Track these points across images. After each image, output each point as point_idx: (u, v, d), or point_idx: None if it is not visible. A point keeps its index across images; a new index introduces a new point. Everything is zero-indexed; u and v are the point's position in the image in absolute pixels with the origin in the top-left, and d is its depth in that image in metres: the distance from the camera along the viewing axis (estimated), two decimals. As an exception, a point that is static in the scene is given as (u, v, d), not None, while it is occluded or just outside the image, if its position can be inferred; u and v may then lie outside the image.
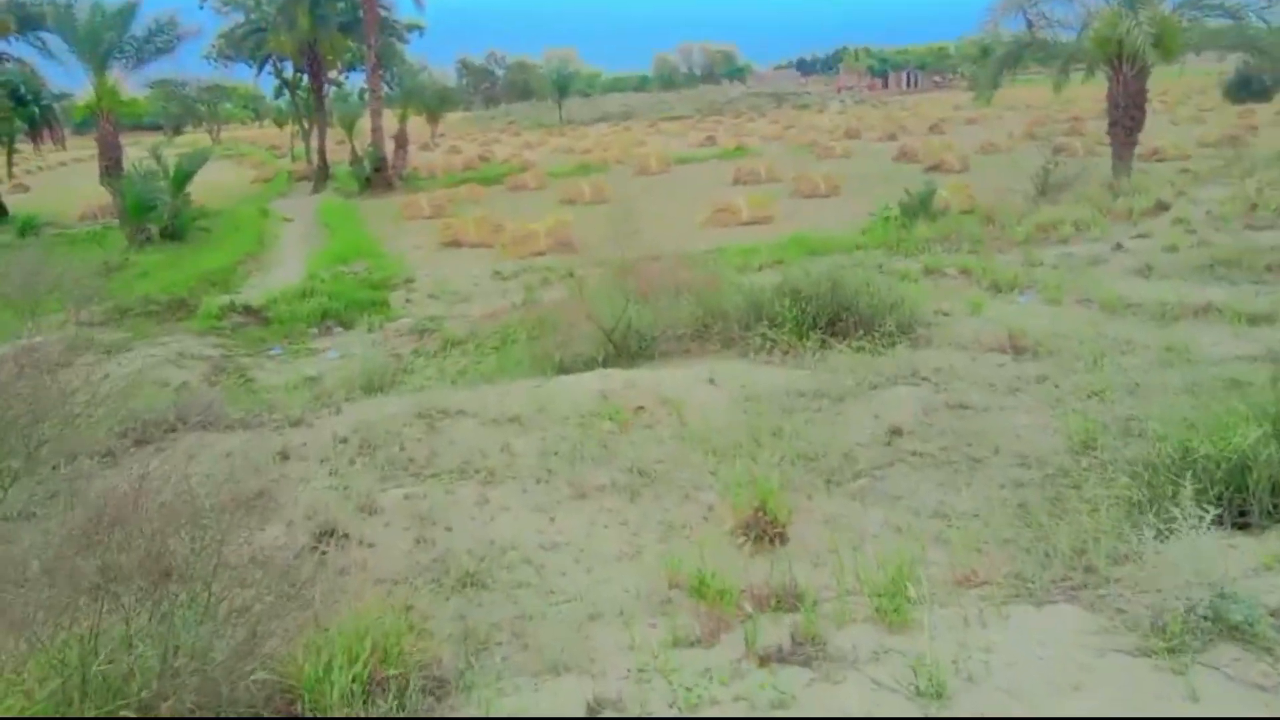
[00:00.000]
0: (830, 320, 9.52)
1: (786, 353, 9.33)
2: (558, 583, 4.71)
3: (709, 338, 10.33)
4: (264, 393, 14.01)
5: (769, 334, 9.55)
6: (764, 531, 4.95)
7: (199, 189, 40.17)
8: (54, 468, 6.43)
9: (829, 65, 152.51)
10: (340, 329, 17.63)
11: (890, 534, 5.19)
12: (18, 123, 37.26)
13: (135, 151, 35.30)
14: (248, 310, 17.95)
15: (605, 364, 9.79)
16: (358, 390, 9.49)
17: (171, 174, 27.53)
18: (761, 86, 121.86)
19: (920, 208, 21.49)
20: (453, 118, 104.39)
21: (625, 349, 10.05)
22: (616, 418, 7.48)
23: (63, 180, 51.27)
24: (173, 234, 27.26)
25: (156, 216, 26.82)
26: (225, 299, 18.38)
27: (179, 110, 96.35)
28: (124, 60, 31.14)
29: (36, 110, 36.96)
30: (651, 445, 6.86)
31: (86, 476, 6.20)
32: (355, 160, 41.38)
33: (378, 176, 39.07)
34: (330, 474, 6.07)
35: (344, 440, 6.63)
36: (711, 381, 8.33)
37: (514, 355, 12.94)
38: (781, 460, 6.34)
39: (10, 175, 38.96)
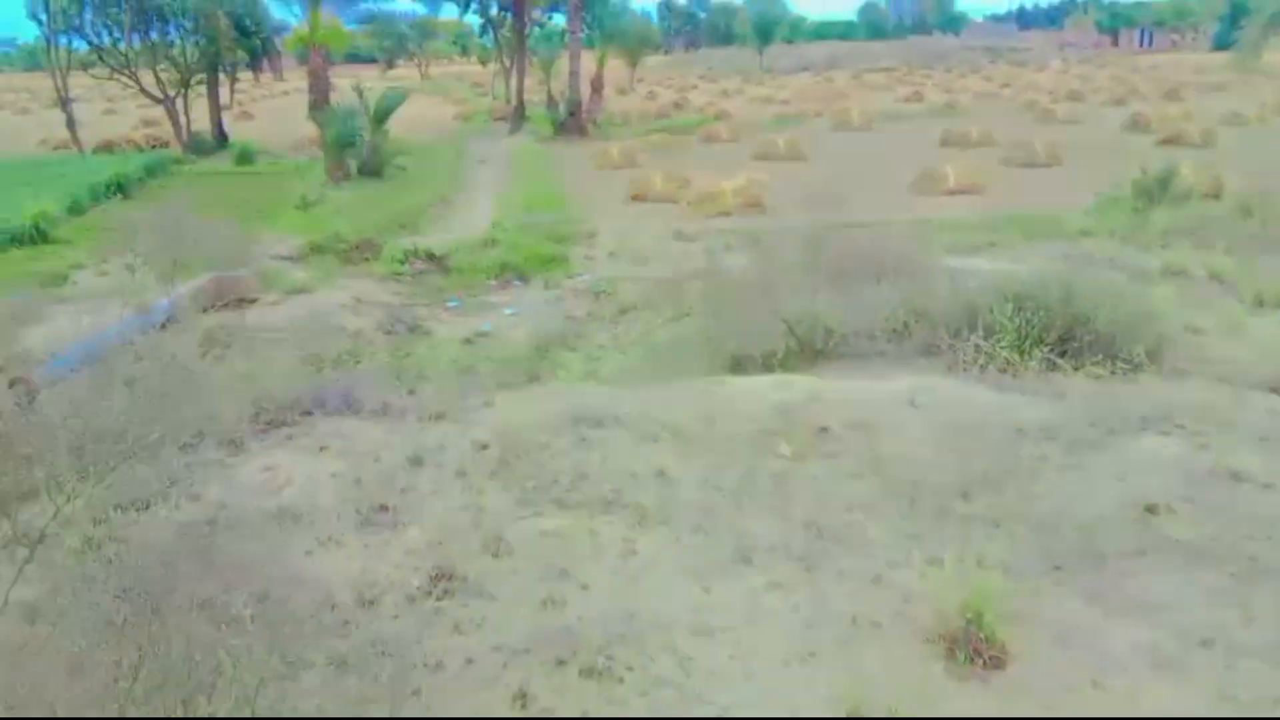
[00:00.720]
0: (1061, 336, 8.04)
1: (1004, 370, 7.95)
2: (706, 686, 3.78)
3: (909, 338, 9.03)
4: (436, 349, 13.77)
5: (984, 345, 8.17)
6: (977, 651, 3.84)
7: (401, 123, 41.16)
8: (186, 445, 6.03)
9: (1052, 18, 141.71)
10: (519, 283, 17.21)
11: (1144, 666, 3.96)
12: (240, 53, 38.98)
13: (347, 84, 36.28)
14: (430, 257, 17.78)
15: (785, 362, 8.70)
16: (520, 373, 8.75)
17: (371, 111, 27.90)
18: (975, 39, 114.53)
19: (1158, 189, 18.86)
20: (651, 61, 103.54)
21: (809, 344, 8.91)
22: (795, 441, 6.44)
23: (281, 110, 53.87)
24: (370, 170, 27.77)
25: (355, 152, 27.35)
26: (410, 244, 18.28)
27: (391, 45, 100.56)
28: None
29: (259, 42, 38.54)
30: (835, 485, 5.78)
31: (207, 466, 5.73)
32: (551, 103, 41.20)
33: (571, 121, 38.77)
34: (464, 489, 5.35)
35: (485, 447, 5.90)
36: (913, 404, 7.12)
37: (688, 332, 11.96)
38: (999, 527, 5.14)
39: (233, 103, 41.02)
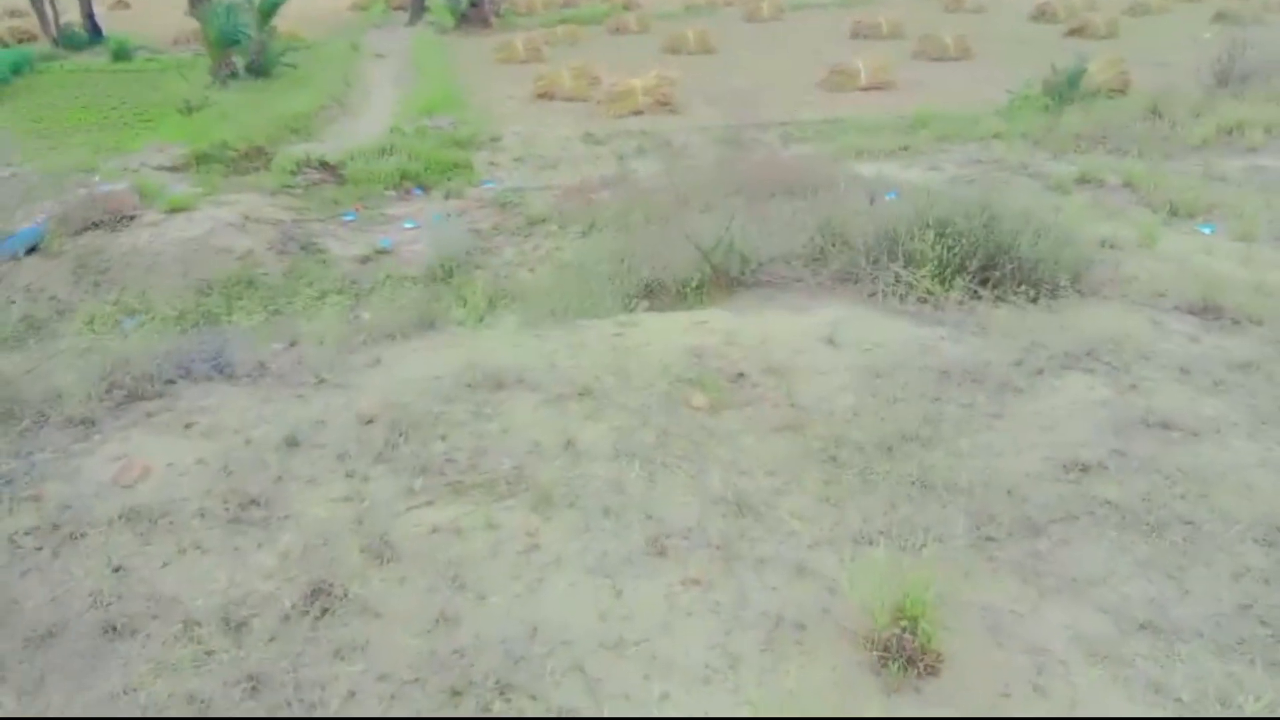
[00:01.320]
0: (983, 265, 7.72)
1: (924, 301, 7.63)
2: (619, 711, 3.41)
3: (826, 265, 8.63)
4: (333, 265, 12.92)
5: (904, 275, 7.81)
6: (910, 660, 3.54)
7: (292, 15, 38.50)
8: (30, 425, 5.31)
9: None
10: (419, 193, 16.25)
11: (1082, 661, 3.72)
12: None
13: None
14: (324, 166, 16.64)
15: (701, 291, 8.25)
16: (416, 309, 8.10)
17: (257, 4, 25.84)
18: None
19: (1068, 88, 18.66)
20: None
21: (725, 272, 8.46)
22: (710, 390, 6.03)
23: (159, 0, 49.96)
24: (258, 70, 25.86)
25: (241, 50, 25.40)
26: (302, 152, 17.07)
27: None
28: None
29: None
30: (753, 444, 5.41)
31: (50, 454, 5.04)
32: (451, -9, 38.97)
33: (474, 11, 36.73)
34: (346, 476, 4.80)
35: (370, 422, 5.33)
36: (832, 342, 6.75)
37: (598, 250, 11.37)
38: (927, 490, 4.84)
39: (103, -9, 37.77)
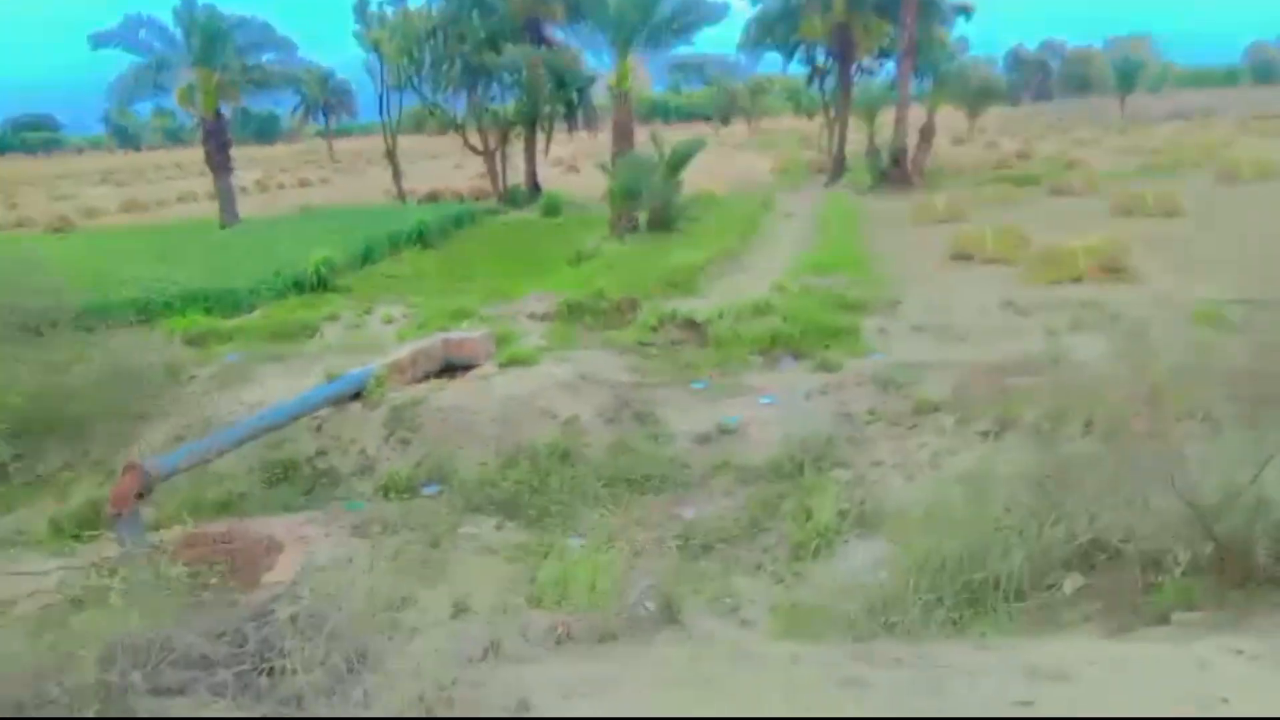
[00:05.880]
0: None
1: None
2: None
3: None
4: (665, 440, 10.69)
5: None
6: None
7: (712, 176, 39.16)
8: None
9: None
10: (791, 361, 13.78)
11: None
12: (558, 107, 38.91)
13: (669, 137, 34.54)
14: (688, 324, 14.84)
15: (1190, 584, 4.53)
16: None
17: (665, 160, 25.75)
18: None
19: None
20: (996, 113, 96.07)
21: (1242, 556, 4.68)
22: None
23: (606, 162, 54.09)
24: (660, 223, 25.60)
25: (645, 204, 25.29)
26: (669, 307, 15.45)
27: (724, 103, 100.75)
28: (646, 41, 30.28)
29: (575, 94, 38.27)
30: None
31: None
32: (871, 150, 37.45)
33: (895, 171, 34.78)
34: None
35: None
36: None
37: (1009, 461, 7.92)
38: None
39: (548, 153, 41.07)
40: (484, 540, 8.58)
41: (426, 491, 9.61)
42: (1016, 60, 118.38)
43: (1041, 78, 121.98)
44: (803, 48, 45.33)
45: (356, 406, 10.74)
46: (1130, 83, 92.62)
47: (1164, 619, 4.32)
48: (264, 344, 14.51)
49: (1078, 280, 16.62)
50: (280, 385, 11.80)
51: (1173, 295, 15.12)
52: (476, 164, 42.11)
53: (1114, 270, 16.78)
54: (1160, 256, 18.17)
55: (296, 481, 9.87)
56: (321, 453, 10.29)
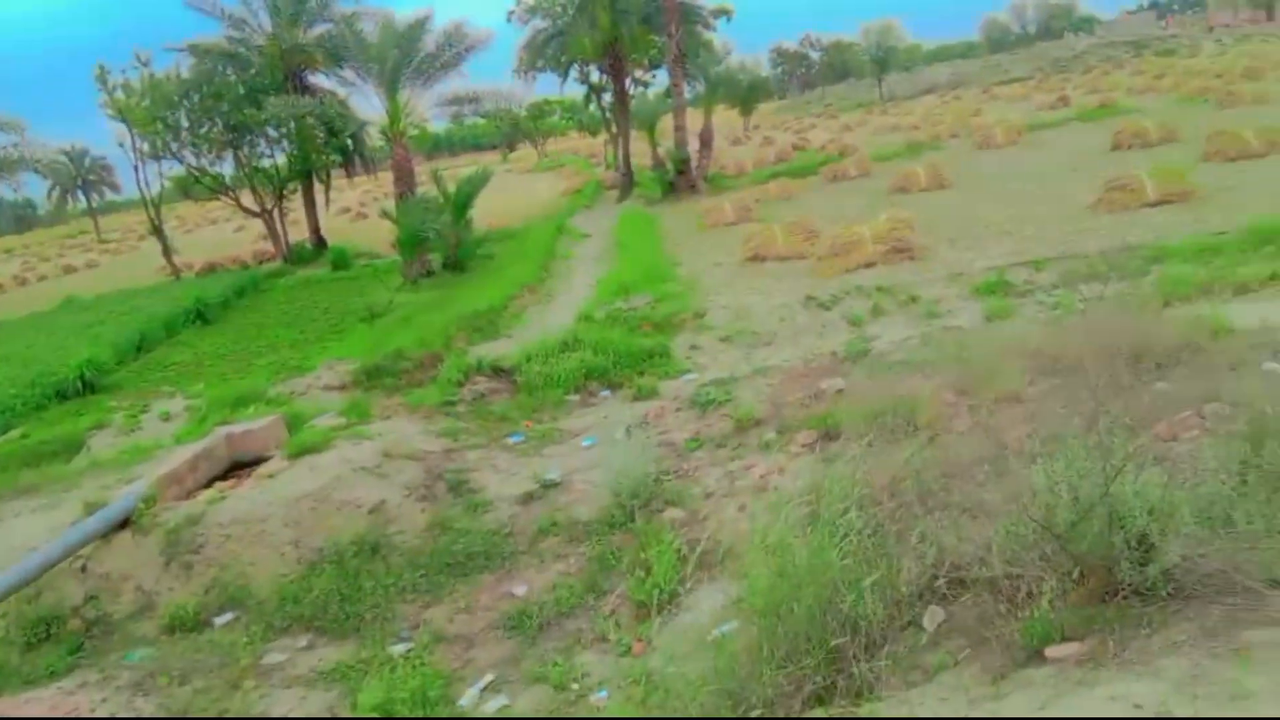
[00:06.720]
0: None
1: None
2: None
3: None
4: (484, 509, 9.88)
5: None
6: None
7: (502, 205, 38.37)
8: None
9: (1191, 3, 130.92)
10: (606, 394, 13.26)
11: None
12: (332, 156, 37.20)
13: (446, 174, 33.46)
14: (496, 372, 14.06)
15: (1060, 617, 4.13)
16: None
17: (451, 199, 24.82)
18: (1113, 34, 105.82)
19: None
20: (766, 108, 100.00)
21: (1104, 572, 4.30)
22: None
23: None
24: (454, 265, 24.67)
25: (436, 247, 24.27)
26: (473, 357, 14.61)
27: (507, 129, 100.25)
28: (414, 78, 29.15)
29: (349, 141, 36.67)
30: None
31: None
32: (657, 163, 37.75)
33: (681, 179, 35.10)
34: None
35: None
36: None
37: (840, 482, 7.56)
38: None
39: (328, 205, 39.18)
40: (293, 667, 7.58)
41: (220, 622, 8.46)
42: (779, 56, 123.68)
43: (805, 70, 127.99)
44: (576, 67, 45.36)
45: (126, 535, 9.37)
46: (885, 65, 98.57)
47: (1038, 655, 3.97)
48: (14, 473, 12.70)
49: (870, 266, 16.91)
50: (34, 526, 10.25)
51: (958, 268, 15.58)
52: (259, 225, 39.75)
53: (901, 250, 17.19)
54: (939, 230, 18.81)
55: (62, 639, 8.47)
56: (90, 598, 8.90)
